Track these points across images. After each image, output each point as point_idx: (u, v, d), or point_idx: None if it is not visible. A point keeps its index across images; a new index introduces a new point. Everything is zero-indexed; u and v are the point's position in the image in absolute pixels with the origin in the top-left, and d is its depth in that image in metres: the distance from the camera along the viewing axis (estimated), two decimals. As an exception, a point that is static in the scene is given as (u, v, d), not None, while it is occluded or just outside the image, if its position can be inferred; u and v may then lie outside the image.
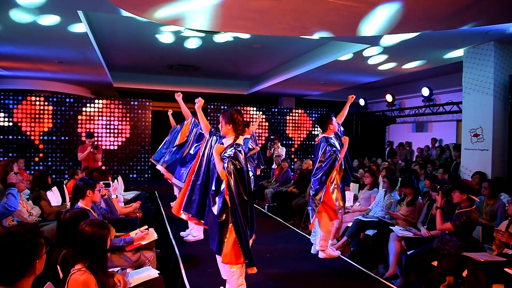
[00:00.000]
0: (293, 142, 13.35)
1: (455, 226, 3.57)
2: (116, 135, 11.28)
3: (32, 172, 6.97)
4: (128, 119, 11.40)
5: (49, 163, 10.61)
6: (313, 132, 13.48)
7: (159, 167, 5.40)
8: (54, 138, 10.66)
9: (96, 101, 11.14)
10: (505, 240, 3.41)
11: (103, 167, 10.37)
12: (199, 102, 3.64)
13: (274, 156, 8.90)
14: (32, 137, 10.49)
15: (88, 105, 11.02)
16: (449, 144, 9.88)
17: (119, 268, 2.87)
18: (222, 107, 12.35)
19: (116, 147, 11.30)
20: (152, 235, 3.52)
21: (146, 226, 3.62)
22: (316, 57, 8.77)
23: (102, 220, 2.47)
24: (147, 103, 11.61)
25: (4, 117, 10.29)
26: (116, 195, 4.45)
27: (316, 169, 4.51)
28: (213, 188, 3.15)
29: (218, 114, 12.19)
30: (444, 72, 9.77)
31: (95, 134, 10.72)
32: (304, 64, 9.31)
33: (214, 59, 9.69)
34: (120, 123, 11.32)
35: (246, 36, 7.40)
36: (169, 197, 8.19)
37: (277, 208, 7.39)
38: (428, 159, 9.78)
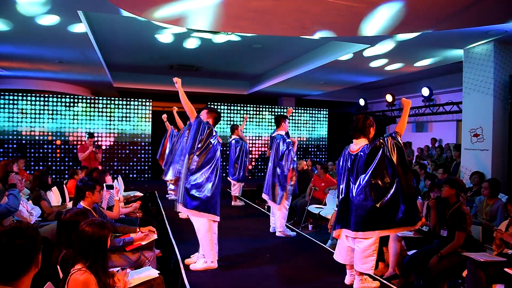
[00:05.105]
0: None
1: (465, 229, 3.57)
2: (116, 135, 11.28)
3: (32, 172, 6.96)
4: (128, 119, 11.40)
5: (49, 163, 10.61)
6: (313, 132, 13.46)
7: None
8: (54, 138, 10.67)
9: (98, 100, 11.16)
10: (505, 239, 3.42)
11: (100, 167, 10.36)
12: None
13: None
14: (32, 137, 10.49)
15: (89, 104, 11.04)
16: (450, 144, 9.87)
17: (119, 268, 2.87)
18: (222, 107, 12.35)
19: (116, 147, 11.29)
20: (152, 235, 3.52)
21: (150, 228, 3.61)
22: (316, 57, 8.76)
23: (103, 220, 2.47)
24: (147, 103, 11.61)
25: (4, 117, 10.29)
26: (118, 197, 4.44)
27: None
28: None
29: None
30: (444, 72, 9.77)
31: (95, 134, 10.72)
32: (304, 64, 9.30)
33: (214, 59, 9.68)
34: (120, 123, 11.32)
35: (242, 36, 7.40)
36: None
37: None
38: (425, 159, 9.78)
